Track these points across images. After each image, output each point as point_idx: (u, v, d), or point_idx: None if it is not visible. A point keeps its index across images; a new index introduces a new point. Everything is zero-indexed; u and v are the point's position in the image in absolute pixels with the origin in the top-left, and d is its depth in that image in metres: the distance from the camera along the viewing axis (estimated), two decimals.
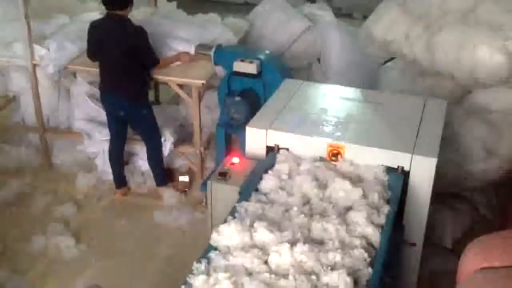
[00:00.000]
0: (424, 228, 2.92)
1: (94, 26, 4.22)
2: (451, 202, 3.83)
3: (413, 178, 2.79)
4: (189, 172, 4.80)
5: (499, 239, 2.25)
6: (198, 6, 6.47)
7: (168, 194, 4.60)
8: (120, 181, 4.66)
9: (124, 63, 4.13)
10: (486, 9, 3.43)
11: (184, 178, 4.71)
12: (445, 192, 3.60)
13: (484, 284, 2.06)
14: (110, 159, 4.60)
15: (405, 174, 2.78)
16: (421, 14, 3.72)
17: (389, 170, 2.79)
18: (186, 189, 4.68)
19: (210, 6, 6.29)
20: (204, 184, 2.97)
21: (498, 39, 3.29)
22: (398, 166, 2.78)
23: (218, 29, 4.82)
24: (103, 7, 4.19)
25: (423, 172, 2.77)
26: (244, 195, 2.60)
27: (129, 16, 4.16)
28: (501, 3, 3.41)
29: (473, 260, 2.18)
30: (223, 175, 2.89)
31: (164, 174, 4.66)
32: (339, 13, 7.76)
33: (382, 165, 2.78)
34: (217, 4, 8.16)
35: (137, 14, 4.99)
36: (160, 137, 4.54)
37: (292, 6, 5.40)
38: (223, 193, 2.83)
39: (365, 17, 4.42)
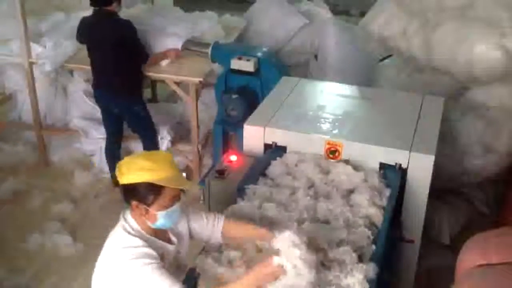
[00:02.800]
0: (422, 225, 2.93)
1: (84, 23, 4.22)
2: (449, 199, 3.83)
3: (411, 175, 2.78)
4: (187, 170, 4.79)
5: (496, 236, 2.26)
6: (195, 3, 6.44)
7: None
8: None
9: (114, 59, 4.11)
10: (482, 5, 3.42)
11: None
12: (442, 188, 3.60)
13: (481, 280, 2.06)
14: (107, 157, 4.59)
15: (403, 171, 2.78)
16: (418, 11, 3.71)
17: (386, 167, 2.80)
18: None
19: (207, 4, 6.26)
20: (202, 182, 2.96)
21: (494, 35, 3.29)
22: (396, 163, 2.78)
23: (206, 24, 4.80)
24: None
25: (421, 169, 2.77)
26: (251, 179, 2.67)
27: (125, 14, 4.15)
28: None
29: (471, 257, 2.19)
30: (221, 173, 2.89)
31: None
32: (336, 10, 7.76)
33: (380, 162, 2.80)
34: (215, 2, 8.13)
35: (132, 11, 4.97)
36: (155, 134, 4.53)
37: (289, 3, 5.40)
38: (220, 191, 2.83)
39: (362, 14, 4.42)
